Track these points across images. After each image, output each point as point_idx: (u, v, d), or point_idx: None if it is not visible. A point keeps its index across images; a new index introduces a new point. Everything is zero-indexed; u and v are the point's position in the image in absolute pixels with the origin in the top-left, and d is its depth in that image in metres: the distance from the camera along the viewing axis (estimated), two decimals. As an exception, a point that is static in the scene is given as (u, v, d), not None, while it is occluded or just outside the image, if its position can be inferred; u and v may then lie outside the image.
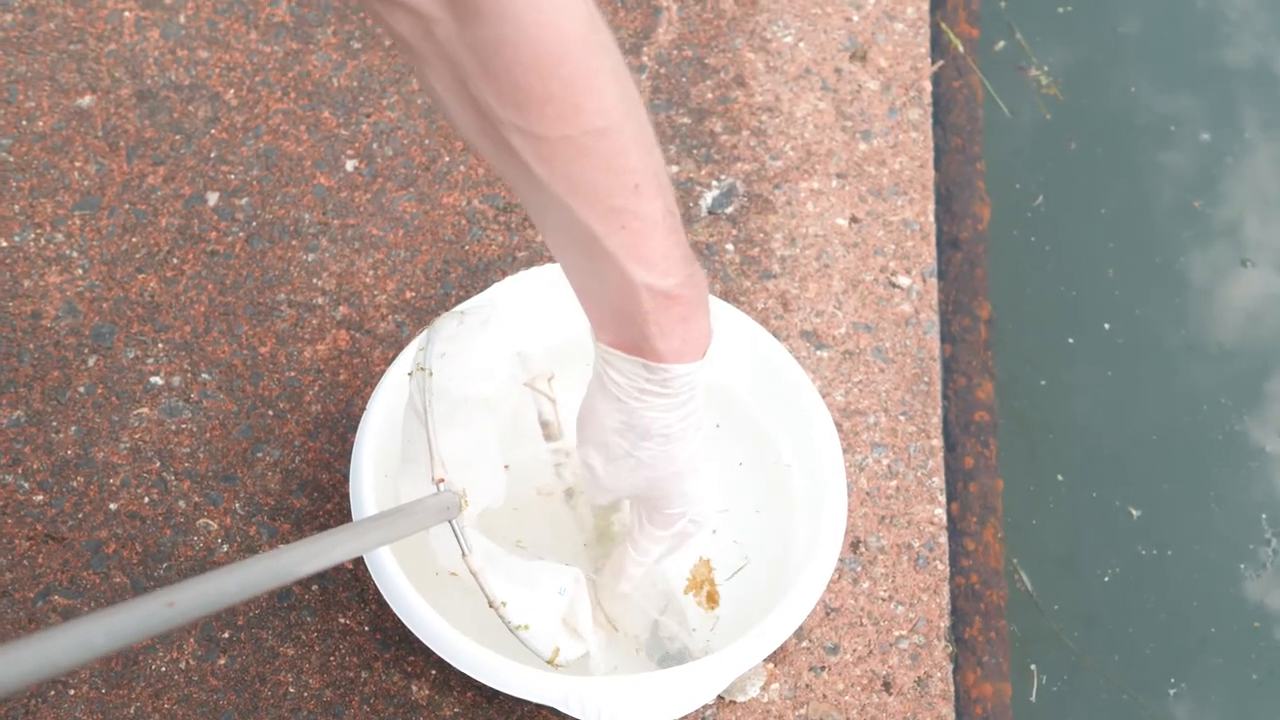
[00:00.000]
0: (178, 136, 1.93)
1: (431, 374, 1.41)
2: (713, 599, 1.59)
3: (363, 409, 1.73)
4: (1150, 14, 2.35)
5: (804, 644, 1.66)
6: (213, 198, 1.89)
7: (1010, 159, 2.17)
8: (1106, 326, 2.08)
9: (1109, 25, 2.33)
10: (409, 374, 1.44)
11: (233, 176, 1.90)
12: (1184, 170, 2.21)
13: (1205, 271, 2.13)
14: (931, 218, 1.95)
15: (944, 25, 2.13)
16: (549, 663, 1.43)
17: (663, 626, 1.57)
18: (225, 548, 1.68)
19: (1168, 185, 2.19)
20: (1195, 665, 1.86)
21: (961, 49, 2.15)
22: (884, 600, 1.70)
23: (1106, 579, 1.90)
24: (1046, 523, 1.92)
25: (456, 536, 1.34)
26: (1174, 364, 2.06)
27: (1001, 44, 2.27)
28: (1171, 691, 1.84)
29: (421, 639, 1.49)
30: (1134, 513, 1.94)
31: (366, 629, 1.64)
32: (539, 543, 1.58)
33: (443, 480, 1.35)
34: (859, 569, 1.71)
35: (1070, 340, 2.06)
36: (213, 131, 1.94)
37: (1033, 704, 1.82)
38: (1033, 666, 1.84)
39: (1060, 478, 1.95)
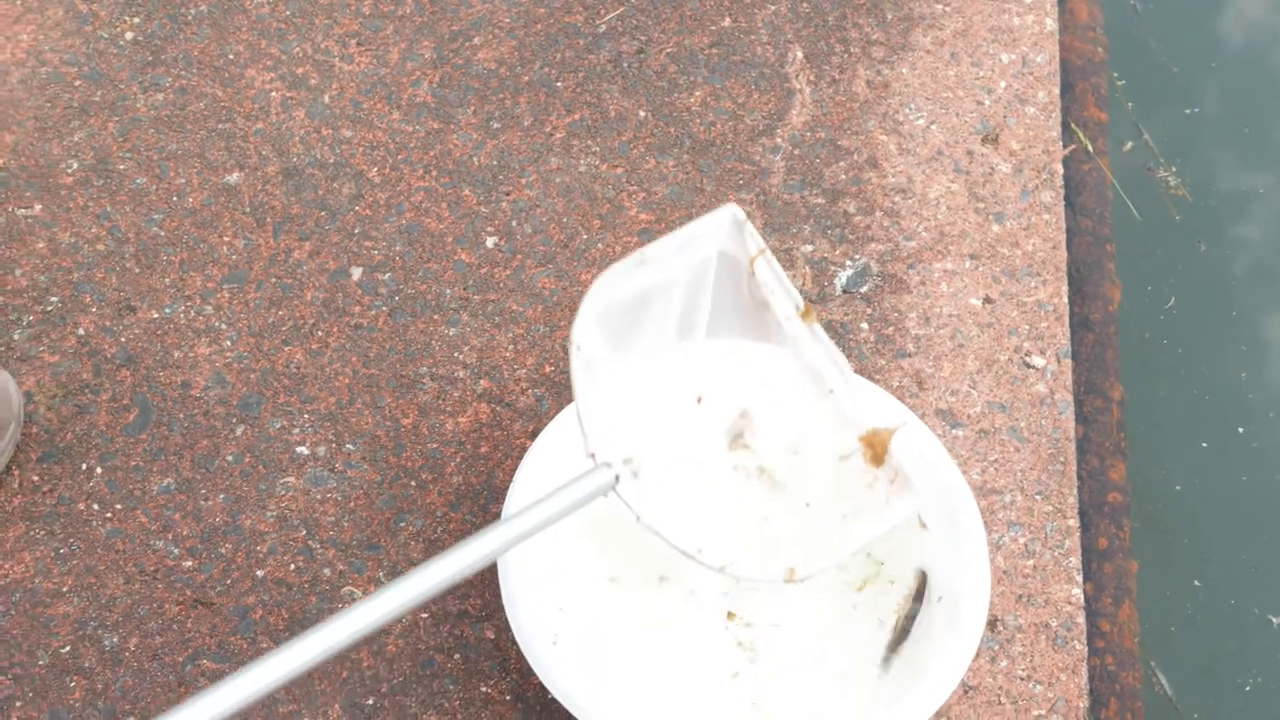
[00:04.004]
0: (322, 213, 1.97)
1: (580, 348, 1.38)
2: (878, 460, 1.51)
3: (504, 481, 1.76)
4: (1274, 113, 2.35)
5: (943, 722, 1.66)
6: (357, 272, 1.93)
7: (1140, 259, 2.16)
8: (1240, 430, 2.06)
9: (1236, 126, 2.32)
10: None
11: (376, 252, 1.94)
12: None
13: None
14: (1065, 299, 1.95)
15: (1074, 126, 2.14)
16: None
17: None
18: None
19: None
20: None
21: (1091, 149, 2.16)
22: (1022, 679, 1.69)
23: (1248, 688, 1.87)
24: (1184, 628, 1.90)
25: (626, 503, 1.32)
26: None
27: (1130, 145, 2.27)
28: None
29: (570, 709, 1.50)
30: (1274, 621, 1.91)
31: (508, 698, 1.66)
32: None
33: (593, 455, 1.33)
34: (996, 647, 1.70)
35: (1204, 444, 2.04)
36: (356, 208, 1.98)
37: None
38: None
39: (1197, 583, 1.93)
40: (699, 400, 1.56)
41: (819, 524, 1.47)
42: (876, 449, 1.39)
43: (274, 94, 2.07)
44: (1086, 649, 1.72)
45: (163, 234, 1.95)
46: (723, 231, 1.41)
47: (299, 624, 1.69)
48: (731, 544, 1.36)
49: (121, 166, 2.00)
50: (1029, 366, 1.89)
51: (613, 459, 1.30)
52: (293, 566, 1.73)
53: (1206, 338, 2.14)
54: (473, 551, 1.21)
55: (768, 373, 1.50)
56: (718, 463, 1.62)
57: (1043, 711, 1.67)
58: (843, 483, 1.41)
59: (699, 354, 1.51)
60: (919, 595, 1.59)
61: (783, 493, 1.61)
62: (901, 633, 1.57)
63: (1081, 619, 1.73)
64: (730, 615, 1.61)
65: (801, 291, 1.93)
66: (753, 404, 1.58)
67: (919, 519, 1.62)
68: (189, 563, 1.72)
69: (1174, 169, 2.26)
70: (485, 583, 1.71)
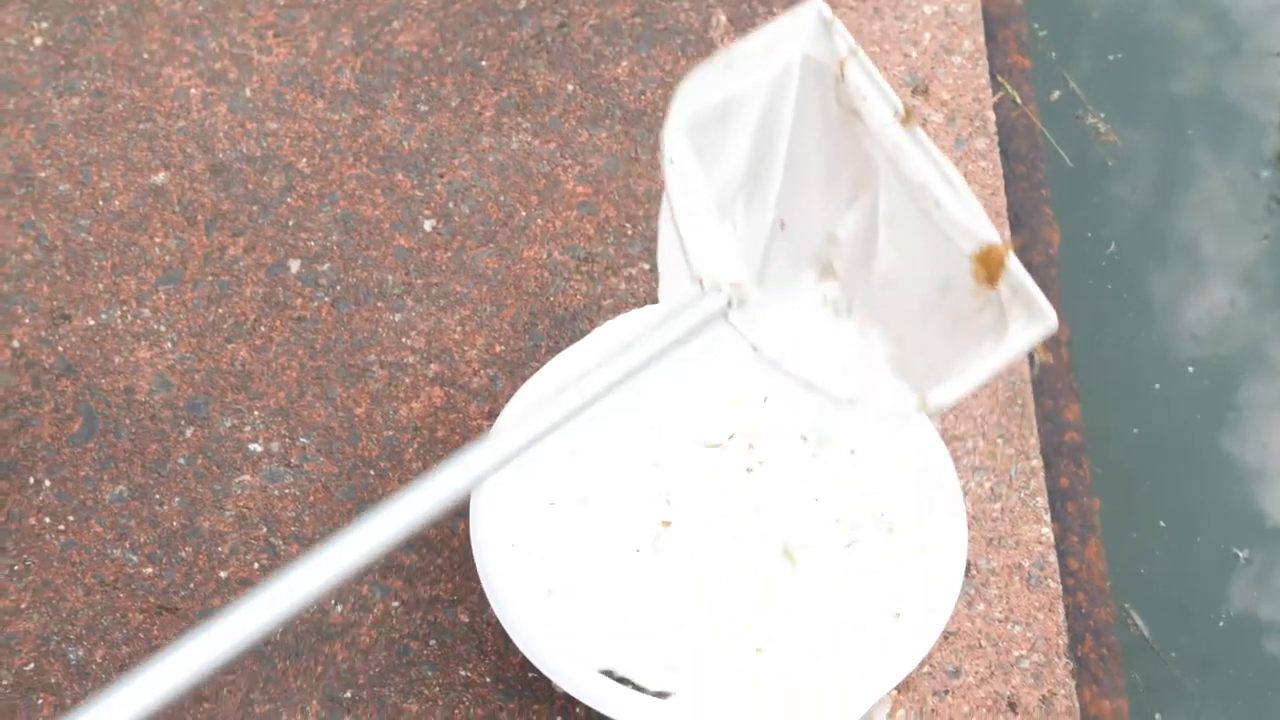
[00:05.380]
0: (254, 207, 1.94)
1: (673, 161, 1.23)
2: (992, 279, 1.36)
3: (464, 463, 1.73)
4: (1196, 56, 2.36)
5: (926, 669, 1.65)
6: (295, 265, 1.89)
7: (1076, 205, 2.16)
8: (1190, 370, 2.07)
9: (1160, 71, 2.33)
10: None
11: (313, 243, 1.91)
12: (1250, 206, 2.21)
13: None
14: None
15: (1000, 76, 2.14)
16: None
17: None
18: (339, 608, 1.67)
19: (1238, 223, 2.20)
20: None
21: (1018, 98, 2.16)
22: (1000, 621, 1.69)
23: (1221, 624, 1.88)
24: (1153, 567, 1.90)
25: (740, 332, 1.18)
26: (1258, 404, 2.05)
27: (1057, 93, 2.27)
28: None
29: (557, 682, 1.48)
30: (1240, 555, 1.92)
31: (488, 680, 1.63)
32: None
33: (701, 279, 1.17)
34: (973, 591, 1.70)
35: (1156, 385, 2.05)
36: (289, 200, 1.94)
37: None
38: (1157, 716, 1.82)
39: (1162, 523, 1.94)
40: (782, 226, 1.37)
41: (926, 361, 1.30)
42: (990, 267, 1.21)
43: (193, 91, 2.02)
44: (1061, 587, 1.72)
45: (91, 239, 1.90)
46: (806, 32, 1.24)
47: None
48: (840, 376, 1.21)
49: (43, 174, 1.95)
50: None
51: (721, 284, 1.16)
52: (256, 565, 1.69)
53: (1148, 280, 2.15)
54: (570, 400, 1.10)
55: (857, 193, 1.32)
56: (807, 294, 1.43)
57: (1023, 651, 1.67)
58: (949, 313, 1.25)
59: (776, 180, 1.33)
60: None
61: (883, 326, 1.40)
62: None
63: (1053, 558, 1.74)
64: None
65: None
66: (840, 228, 1.38)
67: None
68: (149, 569, 1.68)
69: (1102, 116, 2.27)
70: (455, 567, 1.69)
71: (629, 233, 1.93)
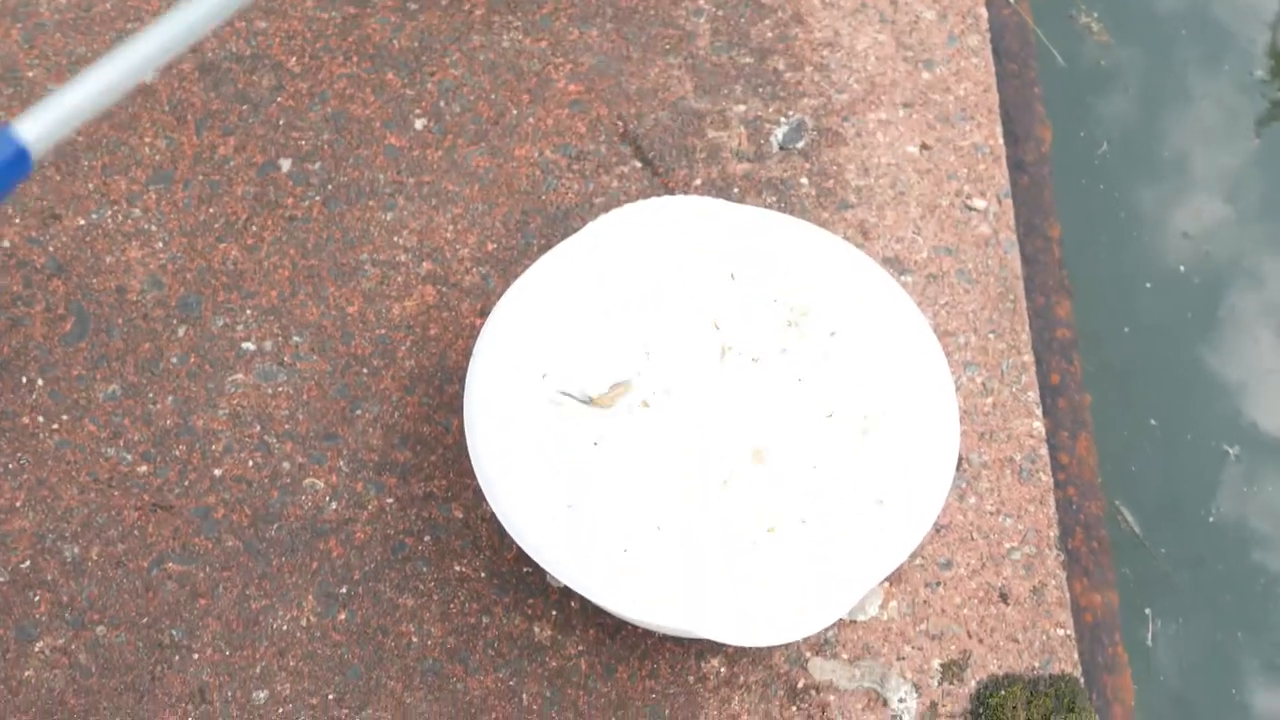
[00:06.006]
0: (244, 106, 1.93)
1: None
2: None
3: (457, 361, 1.74)
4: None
5: (918, 561, 1.66)
6: (286, 164, 1.89)
7: (1069, 104, 2.15)
8: (1181, 269, 2.06)
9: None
10: None
11: (303, 142, 1.90)
12: (1242, 108, 2.20)
13: (1271, 203, 2.12)
14: (1000, 140, 1.95)
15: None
16: None
17: None
18: (334, 505, 1.67)
19: (1228, 123, 2.19)
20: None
21: (1012, 1, 2.15)
22: (991, 514, 1.70)
23: (1211, 519, 1.89)
24: (1143, 463, 1.91)
25: None
26: (1245, 302, 2.05)
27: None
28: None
29: (551, 572, 1.49)
30: (1230, 451, 1.93)
31: (483, 575, 1.64)
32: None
33: None
34: (964, 485, 1.71)
35: (1148, 284, 2.04)
36: (279, 99, 1.93)
37: (1149, 647, 1.80)
38: (1147, 610, 1.83)
39: (1153, 421, 1.94)
40: None
41: None
42: None
43: (181, -10, 2.01)
44: (1052, 481, 1.73)
45: (81, 139, 1.89)
46: None
47: (263, 520, 1.66)
48: None
49: (30, 74, 1.94)
50: (971, 209, 1.89)
51: None
52: (250, 463, 1.70)
53: (1139, 181, 2.13)
54: None
55: None
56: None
57: (1014, 543, 1.68)
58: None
59: None
60: None
61: None
62: None
63: (1044, 451, 1.74)
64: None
65: (739, 151, 1.91)
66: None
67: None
68: (144, 468, 1.69)
69: (1095, 15, 2.26)
70: (449, 464, 1.70)
71: (621, 130, 1.92)
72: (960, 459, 1.72)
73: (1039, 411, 1.76)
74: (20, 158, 1.31)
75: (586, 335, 1.61)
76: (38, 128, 1.32)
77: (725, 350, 1.61)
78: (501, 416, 1.56)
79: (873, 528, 1.52)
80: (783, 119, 1.94)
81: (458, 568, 1.64)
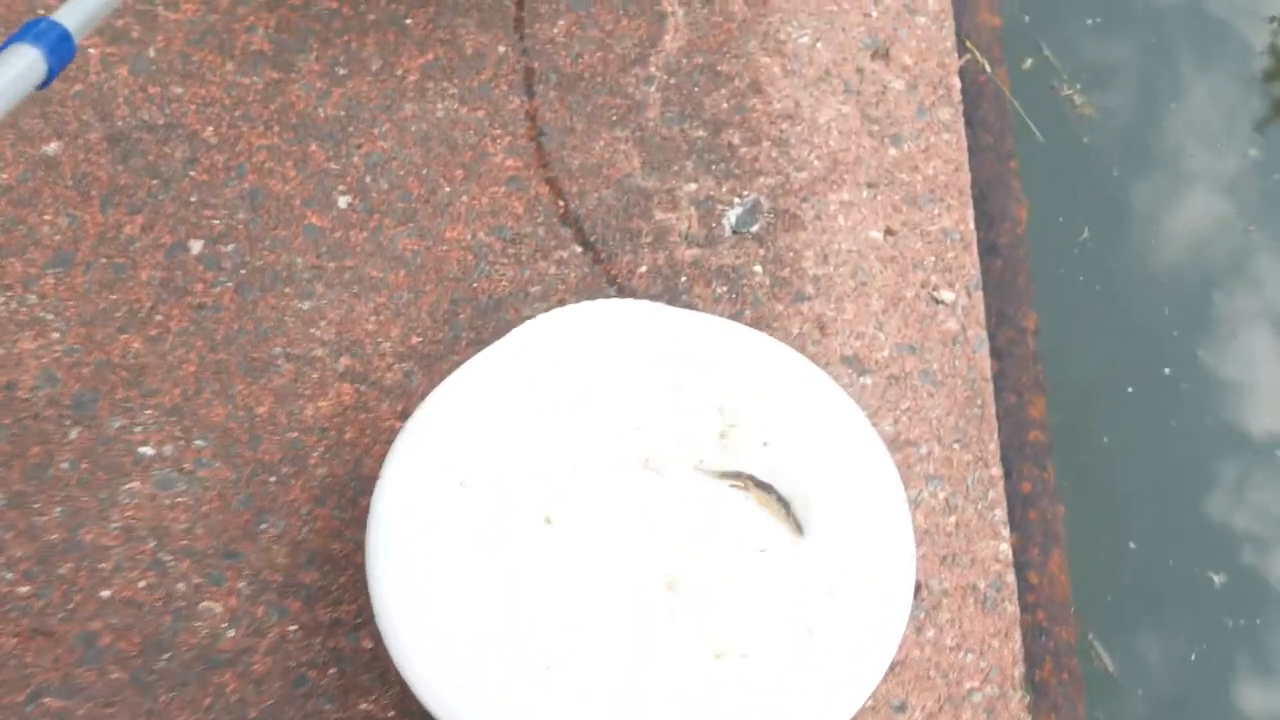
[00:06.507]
0: (154, 181, 1.78)
1: None
2: None
3: (373, 469, 1.60)
4: (1181, 20, 2.18)
5: (868, 703, 1.52)
6: (196, 246, 1.74)
7: (1048, 181, 2.00)
8: (1166, 371, 1.91)
9: (1142, 37, 2.16)
10: None
11: (216, 222, 1.76)
12: (1240, 187, 2.04)
13: (1267, 303, 1.97)
14: (971, 225, 1.82)
15: (968, 43, 1.98)
16: None
17: None
18: (231, 632, 1.53)
19: (1222, 204, 2.04)
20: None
21: (988, 67, 1.99)
22: (951, 649, 1.56)
23: (1193, 657, 1.74)
24: (1120, 591, 1.76)
25: None
26: (1240, 409, 1.89)
27: (1030, 61, 2.10)
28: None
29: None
30: (1216, 580, 1.78)
31: (391, 714, 1.51)
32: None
33: None
34: (922, 615, 1.57)
35: (1129, 389, 1.89)
36: (192, 173, 1.79)
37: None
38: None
39: (1132, 545, 1.79)
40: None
41: None
42: None
43: (91, 51, 1.86)
44: (1018, 609, 1.59)
45: (-25, 216, 1.75)
46: None
47: (153, 648, 1.52)
48: None
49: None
50: (938, 302, 1.75)
51: None
52: (142, 584, 1.56)
53: (1122, 269, 1.99)
54: None
55: None
56: None
57: (975, 683, 1.54)
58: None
59: None
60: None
61: None
62: None
63: (1011, 578, 1.61)
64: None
65: (688, 235, 1.77)
66: None
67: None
68: (24, 588, 1.55)
69: (1078, 86, 2.11)
70: (360, 587, 1.55)
71: (561, 211, 1.78)
72: (919, 585, 1.58)
73: (1005, 532, 1.63)
74: (65, 38, 1.33)
75: (511, 445, 1.47)
76: (75, 17, 1.35)
77: (648, 463, 1.47)
78: (413, 528, 1.42)
79: (808, 664, 1.37)
80: (736, 199, 1.80)
81: (364, 705, 1.51)
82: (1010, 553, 1.62)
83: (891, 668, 1.53)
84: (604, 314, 1.55)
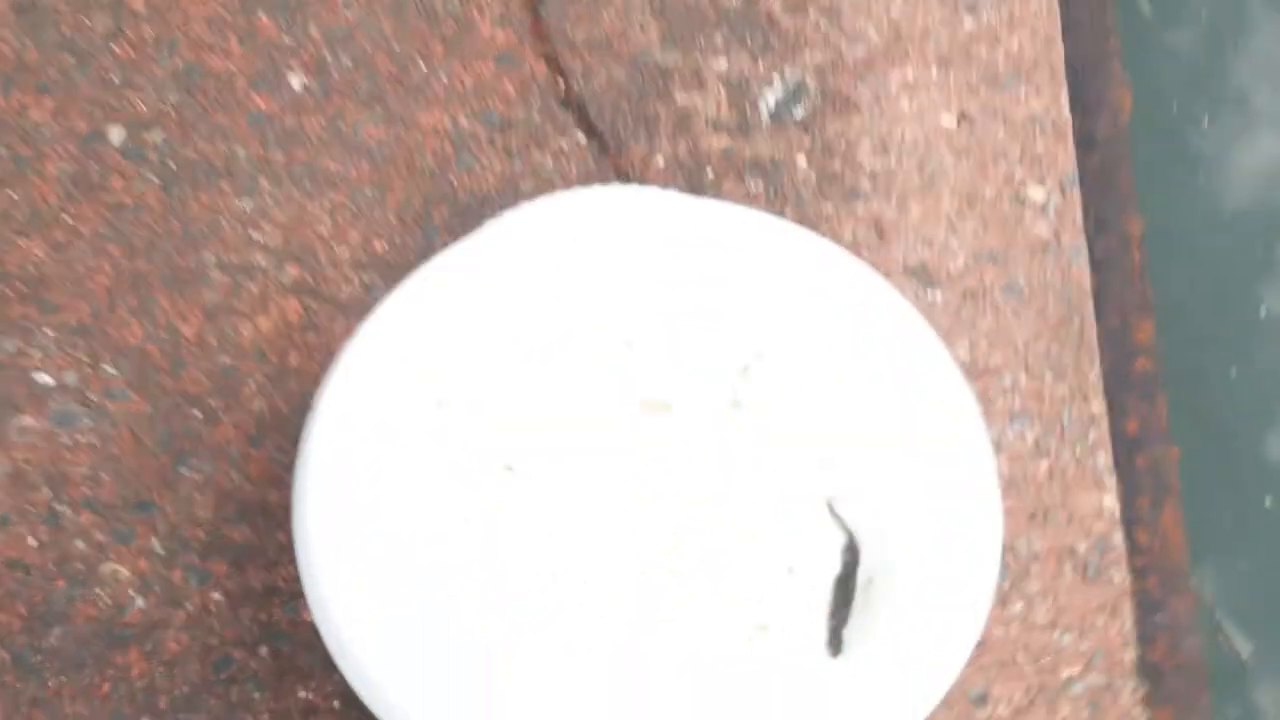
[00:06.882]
0: (70, 57, 1.53)
1: None
2: None
3: (322, 402, 1.33)
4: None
5: (940, 695, 1.24)
6: (116, 134, 1.50)
7: (1152, 60, 1.77)
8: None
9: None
10: None
11: (143, 105, 1.52)
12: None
13: None
14: (1065, 111, 1.61)
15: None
16: None
17: None
18: (140, 601, 1.31)
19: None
20: None
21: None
22: (1044, 628, 1.33)
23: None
24: (1254, 558, 1.49)
25: None
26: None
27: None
28: None
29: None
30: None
31: (336, 705, 1.28)
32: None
33: None
34: (1007, 585, 1.34)
35: (1261, 310, 1.64)
36: (115, 49, 1.54)
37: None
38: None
39: (1267, 501, 1.52)
40: None
41: None
42: None
43: (2, -95, 1.60)
44: (1128, 578, 1.31)
45: None
46: None
47: (42, 621, 1.29)
48: None
49: None
50: (1024, 202, 1.55)
51: None
52: (32, 541, 1.32)
53: (1246, 164, 1.76)
54: None
55: None
56: None
57: (1075, 670, 1.30)
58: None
59: None
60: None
61: None
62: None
63: (1119, 538, 1.36)
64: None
65: (717, 121, 1.50)
66: None
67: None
68: (-112, 547, 1.30)
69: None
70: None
71: (562, 92, 1.55)
72: (1003, 548, 1.30)
73: (1111, 482, 1.37)
74: None
75: (480, 367, 1.18)
76: None
77: (647, 400, 1.18)
78: (355, 470, 1.13)
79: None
80: (776, 79, 1.58)
81: (303, 693, 1.29)
82: (1117, 508, 1.35)
83: (968, 651, 1.26)
84: (603, 203, 1.28)
